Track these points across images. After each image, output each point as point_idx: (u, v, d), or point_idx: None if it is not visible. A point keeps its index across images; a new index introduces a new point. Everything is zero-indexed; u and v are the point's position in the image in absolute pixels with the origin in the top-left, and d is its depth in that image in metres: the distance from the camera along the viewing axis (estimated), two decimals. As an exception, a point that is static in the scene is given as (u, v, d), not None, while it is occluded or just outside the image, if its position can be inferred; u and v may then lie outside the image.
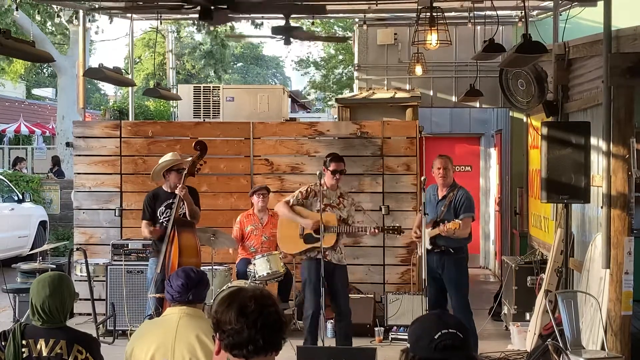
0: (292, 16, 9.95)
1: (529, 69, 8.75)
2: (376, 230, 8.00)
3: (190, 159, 8.34)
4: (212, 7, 6.41)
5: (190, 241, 8.14)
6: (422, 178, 8.19)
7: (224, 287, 8.87)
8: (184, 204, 8.22)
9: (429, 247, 8.12)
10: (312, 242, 8.04)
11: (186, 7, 6.65)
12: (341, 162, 8.19)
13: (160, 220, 8.46)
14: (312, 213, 8.12)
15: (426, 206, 8.36)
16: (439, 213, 8.20)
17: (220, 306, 3.01)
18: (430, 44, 8.66)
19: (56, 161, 22.43)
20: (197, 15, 8.52)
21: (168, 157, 8.58)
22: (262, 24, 12.41)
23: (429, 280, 8.19)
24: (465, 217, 8.09)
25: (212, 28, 17.84)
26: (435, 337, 2.69)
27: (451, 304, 8.36)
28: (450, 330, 2.69)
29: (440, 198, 8.30)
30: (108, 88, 44.03)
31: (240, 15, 12.44)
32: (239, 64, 36.71)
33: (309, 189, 8.22)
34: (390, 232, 8.16)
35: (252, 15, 11.56)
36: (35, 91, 42.24)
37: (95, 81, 31.86)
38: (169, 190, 8.44)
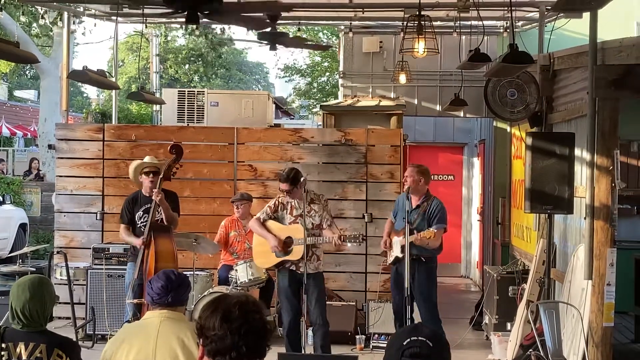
0: (277, 21, 9.93)
1: (525, 75, 8.78)
2: (339, 241, 7.88)
3: (166, 162, 8.28)
4: (199, 12, 6.38)
5: (167, 246, 8.07)
6: (407, 187, 8.19)
7: (206, 293, 8.84)
8: (160, 208, 8.15)
9: (400, 255, 8.13)
10: (282, 256, 7.99)
11: (174, 13, 6.59)
12: (285, 182, 7.96)
13: (139, 225, 8.40)
14: (281, 227, 8.04)
15: (398, 213, 8.41)
16: (412, 221, 8.15)
17: (205, 312, 2.98)
18: (418, 52, 8.65)
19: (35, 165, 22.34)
20: (182, 20, 8.47)
21: (138, 161, 8.58)
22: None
23: (395, 287, 8.29)
24: (438, 227, 8.12)
25: (196, 31, 17.77)
26: (404, 343, 2.66)
27: (420, 313, 8.35)
28: (420, 338, 2.65)
29: (413, 207, 8.30)
30: (90, 91, 43.97)
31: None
32: (222, 70, 36.66)
33: (276, 202, 8.14)
34: (351, 241, 8.06)
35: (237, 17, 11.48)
36: (17, 93, 42.02)
37: (78, 84, 31.80)
38: (148, 195, 8.39)
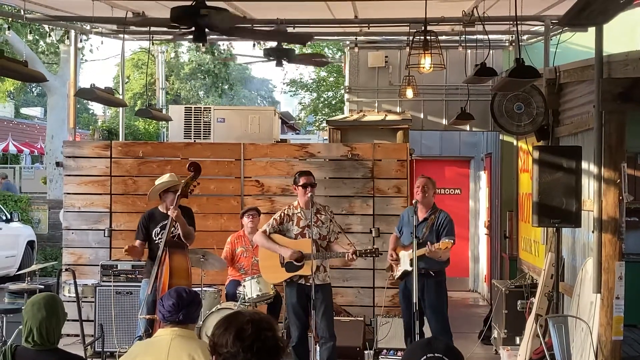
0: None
1: (532, 88, 8.79)
2: (354, 256, 7.85)
3: (184, 180, 8.31)
4: (206, 29, 6.41)
5: (182, 263, 8.09)
6: (414, 201, 8.17)
7: (214, 309, 8.84)
8: (176, 225, 8.17)
9: (410, 269, 8.11)
10: (294, 270, 7.92)
11: (181, 29, 6.63)
12: (311, 176, 8.09)
13: (156, 241, 8.41)
14: (289, 241, 7.99)
15: (403, 227, 8.41)
16: (420, 235, 8.15)
17: (218, 329, 2.99)
18: (424, 67, 8.68)
19: (2, 176, 22.48)
20: (190, 37, 8.51)
21: (166, 177, 8.54)
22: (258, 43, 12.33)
23: (404, 303, 8.21)
24: (449, 239, 8.04)
25: (202, 48, 17.84)
26: None
27: (431, 327, 8.32)
28: (436, 354, 2.63)
29: (421, 220, 8.28)
30: (97, 108, 44.12)
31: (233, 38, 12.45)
32: (226, 86, 36.82)
33: (282, 215, 8.10)
34: (367, 255, 8.06)
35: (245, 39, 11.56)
36: (24, 110, 42.20)
37: (84, 101, 31.92)
38: (164, 211, 8.40)
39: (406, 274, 8.22)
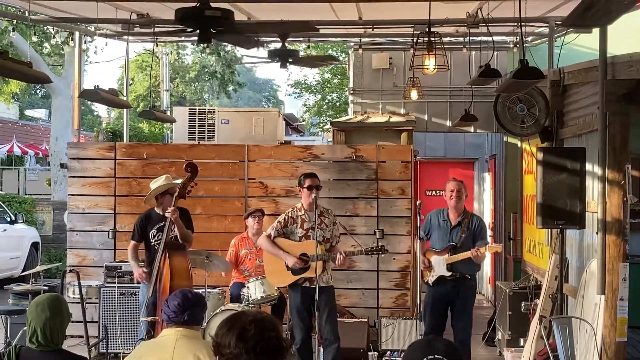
0: (287, 39, 9.98)
1: (534, 90, 8.79)
2: (342, 256, 7.83)
3: (180, 181, 8.29)
4: (211, 30, 6.43)
5: (182, 264, 8.06)
6: (418, 202, 8.16)
7: (218, 310, 8.84)
8: (174, 226, 8.15)
9: (447, 274, 8.11)
10: (300, 272, 7.89)
11: (186, 31, 6.65)
12: (316, 178, 8.04)
13: (152, 243, 8.40)
14: (294, 244, 7.95)
15: (432, 231, 8.32)
16: (456, 239, 8.15)
17: (221, 329, 2.99)
18: (428, 68, 8.67)
19: None
20: (194, 38, 8.54)
21: (162, 180, 8.52)
22: (263, 44, 12.29)
23: (433, 309, 8.14)
24: (485, 242, 8.13)
25: (207, 49, 17.88)
26: None
27: (457, 328, 8.28)
28: (436, 356, 2.63)
29: (454, 224, 8.25)
30: (101, 109, 44.19)
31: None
32: (230, 88, 36.93)
33: (286, 217, 8.04)
34: (374, 253, 8.07)
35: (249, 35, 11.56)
36: (29, 112, 42.25)
37: (89, 102, 32.00)
38: (161, 213, 8.38)
39: (442, 280, 8.18)
